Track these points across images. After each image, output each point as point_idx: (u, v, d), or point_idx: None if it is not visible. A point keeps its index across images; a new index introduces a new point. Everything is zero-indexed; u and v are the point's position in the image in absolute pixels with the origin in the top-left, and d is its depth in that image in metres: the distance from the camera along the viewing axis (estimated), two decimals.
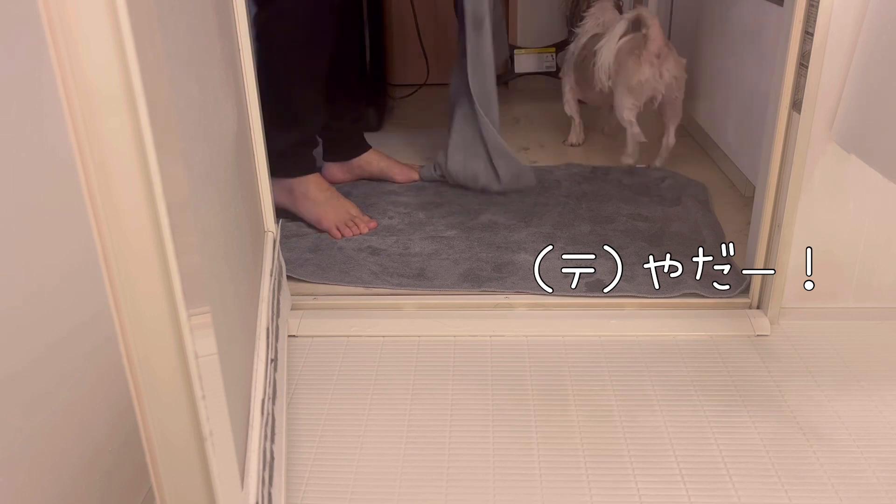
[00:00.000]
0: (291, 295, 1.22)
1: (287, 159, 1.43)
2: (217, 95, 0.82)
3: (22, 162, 0.62)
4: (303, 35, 1.39)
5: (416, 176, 1.69)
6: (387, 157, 1.70)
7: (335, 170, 1.68)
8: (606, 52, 1.69)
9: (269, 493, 0.73)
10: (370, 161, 1.68)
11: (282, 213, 1.49)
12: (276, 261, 1.11)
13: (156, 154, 0.42)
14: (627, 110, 1.72)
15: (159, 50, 0.48)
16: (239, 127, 0.96)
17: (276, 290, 1.07)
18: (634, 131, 1.74)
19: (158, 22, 0.50)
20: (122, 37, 0.39)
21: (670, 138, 1.76)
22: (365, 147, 1.68)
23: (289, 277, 1.24)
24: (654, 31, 1.63)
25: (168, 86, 0.51)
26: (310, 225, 1.46)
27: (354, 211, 1.47)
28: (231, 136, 0.89)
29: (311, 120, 1.48)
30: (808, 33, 1.03)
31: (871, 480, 0.88)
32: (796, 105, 1.07)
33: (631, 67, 1.68)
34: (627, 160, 1.78)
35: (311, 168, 1.48)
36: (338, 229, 1.43)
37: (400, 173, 1.68)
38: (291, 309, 1.21)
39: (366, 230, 1.44)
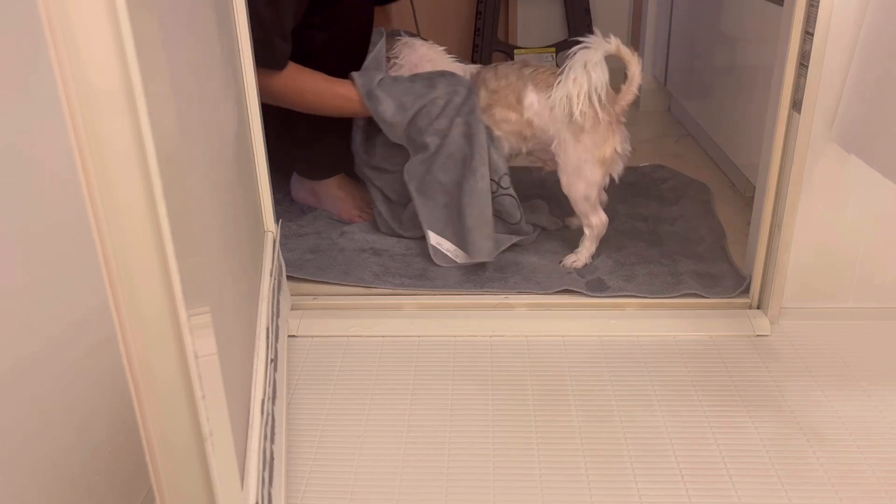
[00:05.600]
0: (291, 295, 1.22)
1: (312, 163, 1.51)
2: (217, 95, 0.82)
3: (22, 161, 0.62)
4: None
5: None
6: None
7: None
8: (589, 80, 1.19)
9: (269, 493, 0.74)
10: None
11: (283, 210, 1.50)
12: (276, 261, 1.11)
13: (156, 154, 0.42)
14: (597, 189, 1.28)
15: (159, 50, 0.49)
16: (239, 127, 0.96)
17: (276, 290, 1.07)
18: (602, 219, 1.30)
19: (158, 22, 0.50)
20: (122, 37, 0.39)
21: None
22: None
23: (289, 277, 1.24)
24: (636, 76, 1.22)
25: (168, 86, 0.51)
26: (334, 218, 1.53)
27: (369, 197, 1.51)
28: (231, 136, 0.89)
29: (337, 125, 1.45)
30: (808, 33, 1.03)
31: (871, 480, 0.88)
32: (796, 105, 1.07)
33: (602, 129, 1.23)
34: (577, 263, 1.31)
35: (335, 171, 1.53)
36: (360, 216, 1.50)
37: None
38: (291, 309, 1.21)
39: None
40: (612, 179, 1.30)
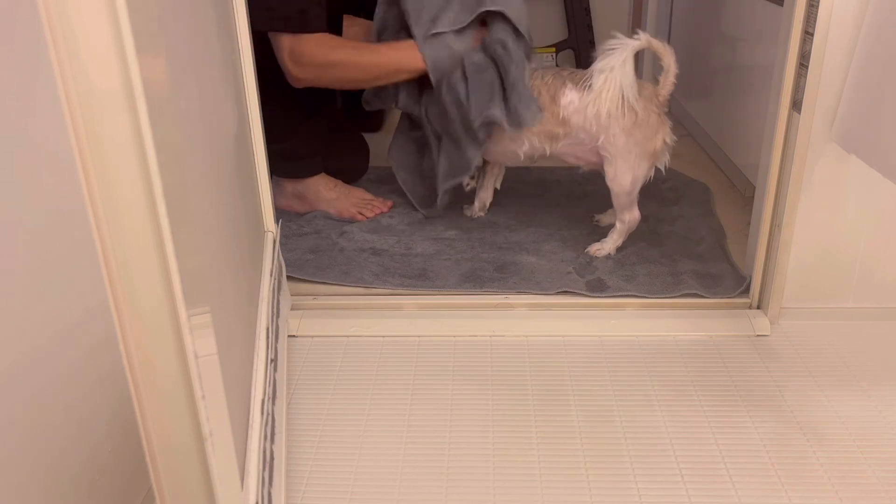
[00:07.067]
0: (291, 295, 1.22)
1: (292, 159, 1.46)
2: (217, 95, 0.82)
3: (22, 161, 0.62)
4: None
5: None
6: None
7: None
8: (618, 81, 1.21)
9: (269, 493, 0.74)
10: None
11: (283, 210, 1.49)
12: (276, 261, 1.11)
13: (156, 154, 0.42)
14: (641, 184, 1.29)
15: (159, 50, 0.48)
16: (239, 127, 0.96)
17: (276, 290, 1.07)
18: (636, 216, 1.33)
19: (158, 22, 0.50)
20: (123, 37, 0.39)
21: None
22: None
23: (289, 277, 1.24)
24: (671, 65, 1.23)
25: (168, 86, 0.51)
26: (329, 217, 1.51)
27: (368, 196, 1.54)
28: (231, 136, 0.89)
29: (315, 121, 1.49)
30: (808, 33, 1.03)
31: (871, 480, 0.88)
32: (796, 105, 1.07)
33: (652, 121, 1.24)
34: (601, 252, 1.34)
35: (316, 167, 1.51)
36: (361, 213, 1.50)
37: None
38: (291, 309, 1.21)
39: (385, 209, 1.52)
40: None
